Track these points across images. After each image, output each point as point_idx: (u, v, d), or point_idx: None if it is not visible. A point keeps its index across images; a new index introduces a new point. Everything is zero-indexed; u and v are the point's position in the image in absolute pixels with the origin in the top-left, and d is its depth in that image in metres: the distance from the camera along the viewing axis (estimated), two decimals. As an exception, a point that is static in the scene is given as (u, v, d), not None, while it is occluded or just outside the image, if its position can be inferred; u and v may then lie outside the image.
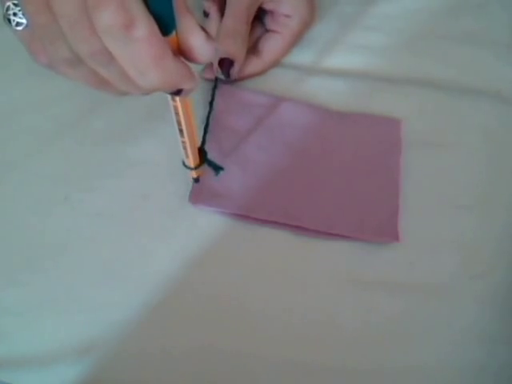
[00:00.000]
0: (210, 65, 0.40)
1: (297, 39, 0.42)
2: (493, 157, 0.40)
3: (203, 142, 0.37)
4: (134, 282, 0.34)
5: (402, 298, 0.35)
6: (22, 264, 0.35)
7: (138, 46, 0.21)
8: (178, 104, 0.27)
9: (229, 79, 0.40)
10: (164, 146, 0.38)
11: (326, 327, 0.34)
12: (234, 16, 0.39)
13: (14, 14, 0.23)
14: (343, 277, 0.35)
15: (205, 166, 0.36)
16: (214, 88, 0.40)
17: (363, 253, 0.36)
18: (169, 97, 0.27)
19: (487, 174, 0.40)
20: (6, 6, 0.23)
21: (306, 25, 0.42)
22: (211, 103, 0.40)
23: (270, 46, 0.41)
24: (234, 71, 0.39)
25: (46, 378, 0.32)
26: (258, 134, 0.39)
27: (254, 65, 0.41)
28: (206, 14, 0.41)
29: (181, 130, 0.30)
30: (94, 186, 0.37)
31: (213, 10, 0.40)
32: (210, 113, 0.39)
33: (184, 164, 0.34)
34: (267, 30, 0.42)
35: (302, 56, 0.44)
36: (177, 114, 0.28)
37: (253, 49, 0.42)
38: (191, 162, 0.34)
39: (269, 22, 0.42)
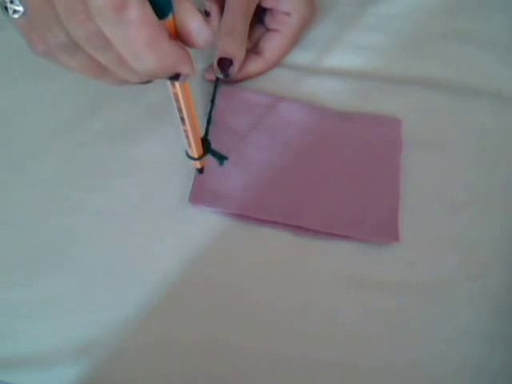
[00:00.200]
0: (211, 66, 0.40)
1: (297, 37, 0.42)
2: (492, 157, 0.40)
3: (206, 132, 0.36)
4: (133, 281, 0.34)
5: (401, 298, 0.35)
6: (22, 264, 0.35)
7: (131, 28, 0.21)
8: (178, 90, 0.27)
9: (228, 78, 0.40)
10: (164, 146, 0.38)
11: (326, 326, 0.34)
12: (233, 15, 0.39)
13: (11, 2, 0.23)
14: (343, 277, 0.35)
15: (208, 157, 0.35)
16: (215, 87, 0.40)
17: (363, 253, 0.36)
18: (168, 83, 0.26)
19: (486, 174, 0.40)
20: None
21: (306, 22, 0.42)
22: (213, 101, 0.40)
23: (271, 44, 0.41)
24: (234, 70, 0.39)
25: (46, 378, 0.32)
26: (258, 133, 0.39)
27: (256, 64, 0.41)
28: (207, 14, 0.41)
29: (182, 118, 0.29)
30: (94, 186, 0.37)
31: (213, 10, 0.40)
32: (211, 108, 0.39)
33: (187, 155, 0.34)
34: (268, 30, 0.42)
35: (302, 56, 0.44)
36: (177, 100, 0.28)
37: (254, 49, 0.42)
38: (194, 152, 0.33)
39: (269, 20, 0.42)
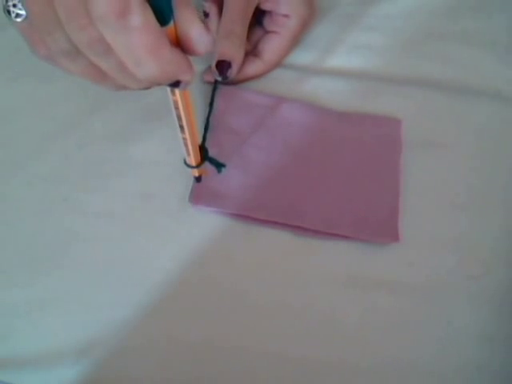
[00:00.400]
0: (210, 67, 0.40)
1: (296, 39, 0.42)
2: (492, 157, 0.40)
3: (204, 140, 0.37)
4: (134, 281, 0.34)
5: (401, 298, 0.35)
6: (22, 264, 0.35)
7: (133, 35, 0.21)
8: (178, 98, 0.27)
9: (227, 81, 0.40)
10: (164, 146, 0.38)
11: (326, 326, 0.34)
12: (231, 17, 0.39)
13: (14, 6, 0.23)
14: (343, 277, 0.35)
15: (206, 165, 0.35)
16: (214, 90, 0.40)
17: (363, 253, 0.36)
18: (168, 91, 0.27)
19: (487, 174, 0.40)
20: None
21: (305, 24, 0.42)
22: (211, 104, 0.40)
23: (270, 46, 0.41)
24: (232, 73, 0.39)
25: (46, 378, 0.32)
26: (259, 134, 0.39)
27: (255, 66, 0.41)
28: (206, 15, 0.41)
29: (181, 126, 0.30)
30: (94, 186, 0.37)
31: (212, 11, 0.40)
32: (210, 113, 0.39)
33: (185, 163, 0.34)
34: (267, 32, 0.42)
35: (302, 56, 0.44)
36: (177, 108, 0.28)
37: (253, 51, 0.42)
38: (192, 160, 0.33)
39: (268, 22, 0.42)
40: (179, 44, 0.23)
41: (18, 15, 0.23)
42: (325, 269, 0.36)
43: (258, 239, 0.36)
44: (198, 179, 0.36)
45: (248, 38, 0.41)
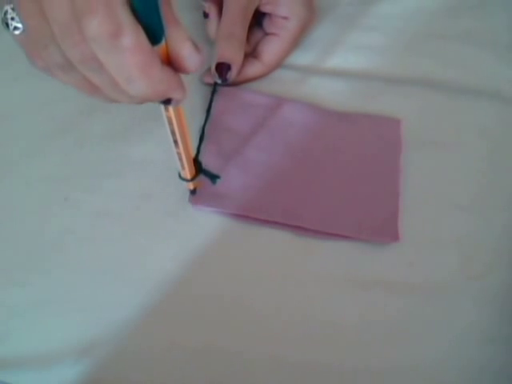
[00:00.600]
0: (210, 69, 0.40)
1: (296, 41, 0.42)
2: (492, 157, 0.40)
3: (197, 153, 0.37)
4: (133, 281, 0.34)
5: (401, 298, 0.35)
6: (22, 264, 0.35)
7: (125, 55, 0.21)
8: (172, 114, 0.28)
9: (226, 83, 0.40)
10: (164, 146, 0.38)
11: (326, 327, 0.34)
12: (231, 19, 0.39)
13: (12, 19, 0.24)
14: (343, 277, 0.35)
15: (201, 177, 0.35)
16: (213, 94, 0.40)
17: (363, 253, 0.36)
18: (162, 108, 0.27)
19: (487, 174, 0.40)
20: (4, 11, 0.24)
21: (305, 26, 0.42)
22: (208, 111, 0.40)
23: (269, 48, 0.41)
24: (232, 75, 0.39)
25: (46, 378, 0.32)
26: (259, 134, 0.39)
27: (254, 68, 0.41)
28: (205, 15, 0.41)
29: (175, 141, 0.30)
30: (94, 186, 0.37)
31: (212, 12, 0.40)
32: (205, 121, 0.39)
33: (180, 176, 0.34)
34: (266, 34, 0.42)
35: (302, 56, 0.44)
36: (171, 124, 0.29)
37: (252, 52, 0.42)
38: (187, 173, 0.34)
39: (267, 24, 0.42)
40: (170, 62, 0.24)
41: (15, 28, 0.24)
42: (325, 269, 0.36)
43: (258, 239, 0.36)
44: (193, 192, 0.36)
45: (247, 39, 0.41)
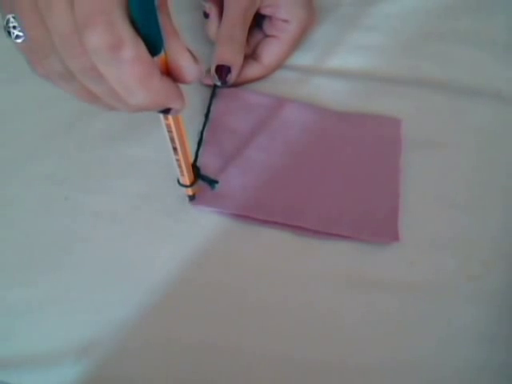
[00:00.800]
0: (209, 70, 0.40)
1: (296, 43, 0.42)
2: (492, 157, 0.40)
3: (196, 159, 0.37)
4: (133, 281, 0.34)
5: (401, 298, 0.35)
6: (22, 264, 0.35)
7: (125, 67, 0.21)
8: (171, 122, 0.28)
9: (225, 86, 0.40)
10: (164, 146, 0.38)
11: (326, 326, 0.34)
12: (231, 22, 0.39)
13: (14, 27, 0.24)
14: (343, 276, 0.35)
15: (200, 182, 0.36)
16: (212, 97, 0.40)
17: (363, 253, 0.36)
18: (161, 115, 0.27)
19: (487, 174, 0.40)
20: (6, 19, 0.24)
21: (305, 29, 0.42)
22: (207, 115, 0.40)
23: (269, 50, 0.41)
24: (231, 78, 0.39)
25: (46, 378, 0.32)
26: (259, 134, 0.39)
27: (254, 70, 0.41)
28: (206, 15, 0.41)
29: (175, 148, 0.30)
30: (94, 186, 0.37)
31: (213, 12, 0.40)
32: (204, 126, 0.39)
33: (179, 182, 0.34)
34: (266, 35, 0.42)
35: (303, 57, 0.44)
36: (170, 131, 0.29)
37: (252, 54, 0.42)
38: (186, 180, 0.34)
39: (267, 27, 0.42)
40: (169, 73, 0.24)
41: (17, 36, 0.24)
42: (325, 269, 0.36)
43: (258, 239, 0.36)
44: (192, 198, 0.36)
45: (247, 41, 0.41)
